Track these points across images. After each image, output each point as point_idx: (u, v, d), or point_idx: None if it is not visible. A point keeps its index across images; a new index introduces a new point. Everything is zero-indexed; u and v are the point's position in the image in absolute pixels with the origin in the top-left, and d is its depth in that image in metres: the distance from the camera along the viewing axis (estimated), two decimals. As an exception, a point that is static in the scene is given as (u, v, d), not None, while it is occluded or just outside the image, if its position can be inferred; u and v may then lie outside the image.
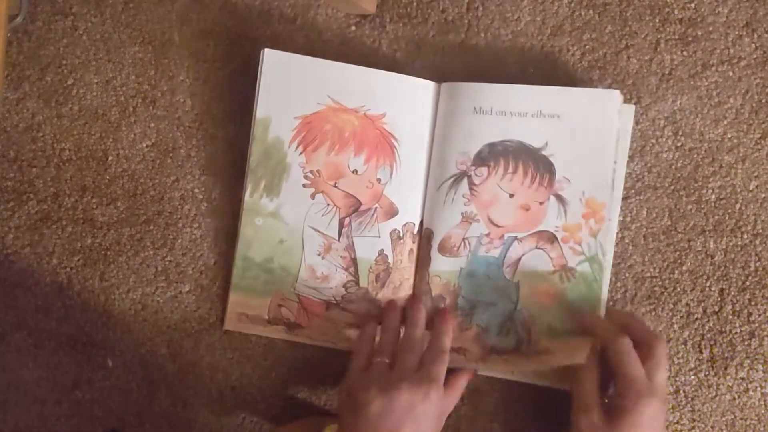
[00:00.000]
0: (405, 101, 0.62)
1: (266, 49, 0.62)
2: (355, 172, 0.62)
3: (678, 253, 0.61)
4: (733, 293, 0.61)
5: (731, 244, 0.61)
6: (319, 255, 0.62)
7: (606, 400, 0.56)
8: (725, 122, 0.61)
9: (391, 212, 0.62)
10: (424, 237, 0.61)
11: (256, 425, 0.65)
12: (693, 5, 0.62)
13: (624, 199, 0.61)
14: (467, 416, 0.63)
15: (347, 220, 0.62)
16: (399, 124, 0.62)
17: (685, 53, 0.62)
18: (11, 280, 0.67)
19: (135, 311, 0.66)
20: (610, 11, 0.62)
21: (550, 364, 0.59)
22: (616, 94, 0.58)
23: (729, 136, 0.61)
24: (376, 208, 0.62)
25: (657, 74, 0.62)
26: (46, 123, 0.68)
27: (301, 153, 0.62)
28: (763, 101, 0.61)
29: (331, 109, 0.62)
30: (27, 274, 0.67)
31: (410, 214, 0.62)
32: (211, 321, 0.66)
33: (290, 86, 0.62)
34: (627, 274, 0.61)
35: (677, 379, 0.61)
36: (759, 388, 0.60)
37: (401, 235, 0.62)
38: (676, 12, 0.62)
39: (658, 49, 0.62)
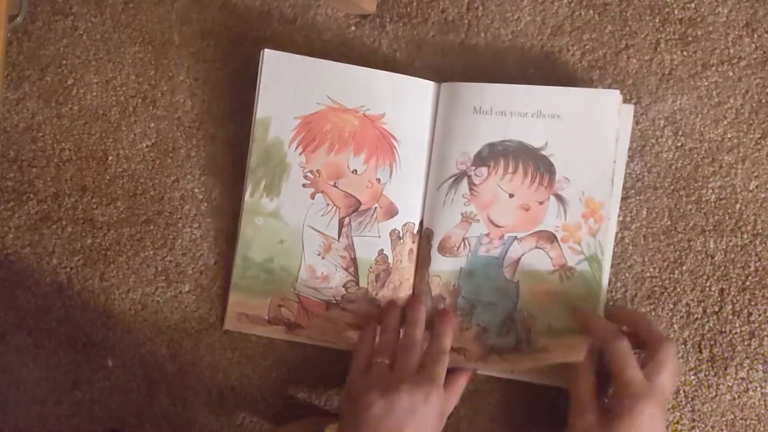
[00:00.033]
0: (405, 101, 0.62)
1: (266, 50, 0.62)
2: (354, 172, 0.62)
3: (678, 253, 0.61)
4: (733, 293, 0.61)
5: (731, 244, 0.61)
6: (319, 255, 0.62)
7: (606, 400, 0.55)
8: (725, 122, 0.61)
9: (391, 212, 0.62)
10: (424, 237, 0.61)
11: (256, 425, 0.65)
12: (693, 5, 0.62)
13: (624, 198, 0.61)
14: (467, 416, 0.63)
15: (347, 220, 0.62)
16: (399, 124, 0.62)
17: (685, 53, 0.62)
18: (11, 280, 0.67)
19: (135, 311, 0.66)
20: (610, 11, 0.62)
21: (549, 363, 0.58)
22: (616, 94, 0.58)
23: (729, 136, 0.61)
24: (375, 208, 0.62)
25: (657, 74, 0.62)
26: (46, 123, 0.68)
27: (301, 153, 0.62)
28: (763, 101, 0.61)
29: (330, 109, 0.62)
30: (27, 274, 0.67)
31: (410, 214, 0.62)
32: (211, 321, 0.66)
33: (290, 86, 0.62)
34: (627, 274, 0.61)
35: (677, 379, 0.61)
36: (759, 388, 0.60)
37: (401, 235, 0.61)
38: (676, 12, 0.62)
39: (658, 49, 0.62)
